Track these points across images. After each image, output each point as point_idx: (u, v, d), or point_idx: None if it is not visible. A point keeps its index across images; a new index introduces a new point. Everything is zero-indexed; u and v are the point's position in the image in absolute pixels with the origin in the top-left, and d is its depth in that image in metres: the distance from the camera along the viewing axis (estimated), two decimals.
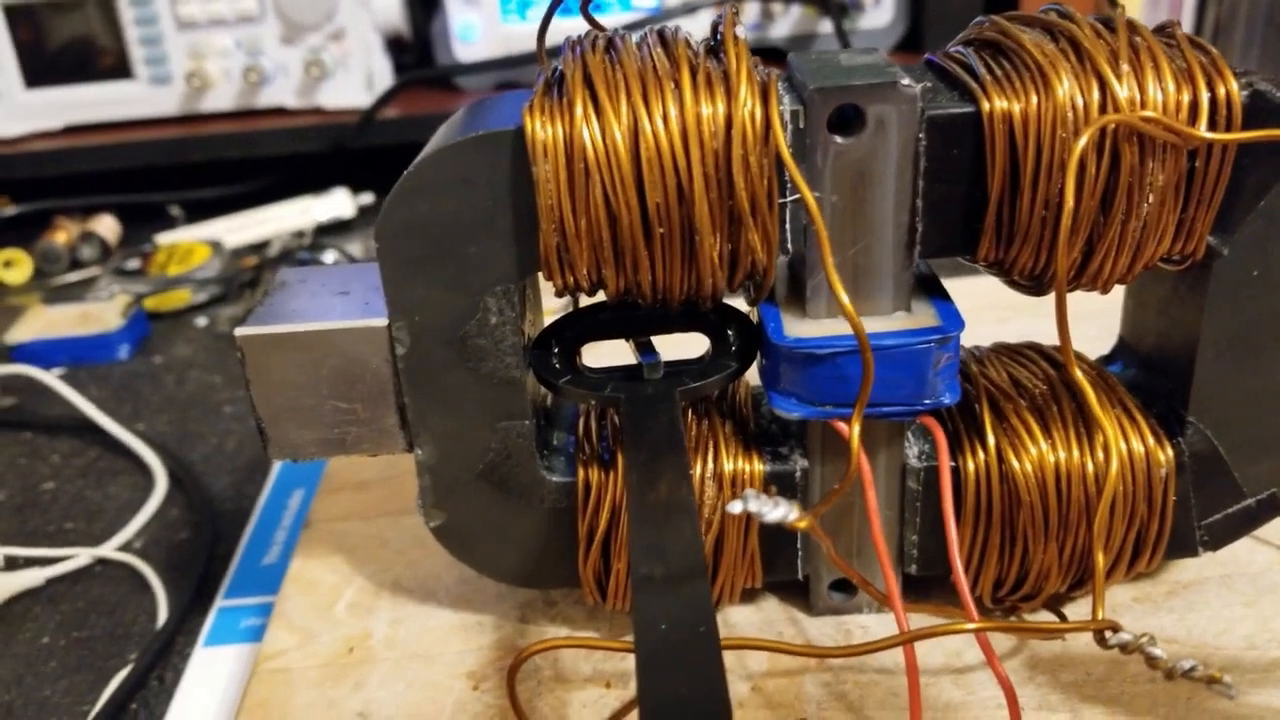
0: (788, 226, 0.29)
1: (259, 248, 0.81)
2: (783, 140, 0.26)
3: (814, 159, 0.28)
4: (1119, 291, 0.36)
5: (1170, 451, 0.32)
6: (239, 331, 0.31)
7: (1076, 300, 0.31)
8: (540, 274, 0.29)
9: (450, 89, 0.89)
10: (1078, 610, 0.34)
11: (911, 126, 0.27)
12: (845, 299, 0.25)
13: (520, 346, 0.31)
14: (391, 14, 0.91)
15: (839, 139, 0.28)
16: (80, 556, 0.48)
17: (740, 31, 0.27)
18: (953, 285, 0.31)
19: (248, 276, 0.75)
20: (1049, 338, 0.30)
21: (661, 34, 0.29)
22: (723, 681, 0.21)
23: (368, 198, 0.88)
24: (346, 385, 0.32)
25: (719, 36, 0.28)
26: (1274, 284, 0.30)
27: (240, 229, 0.82)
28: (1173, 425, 0.32)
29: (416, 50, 0.92)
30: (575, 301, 0.34)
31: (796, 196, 0.28)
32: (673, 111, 0.26)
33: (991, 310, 0.33)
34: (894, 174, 0.28)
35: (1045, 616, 0.34)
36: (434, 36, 0.87)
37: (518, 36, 0.86)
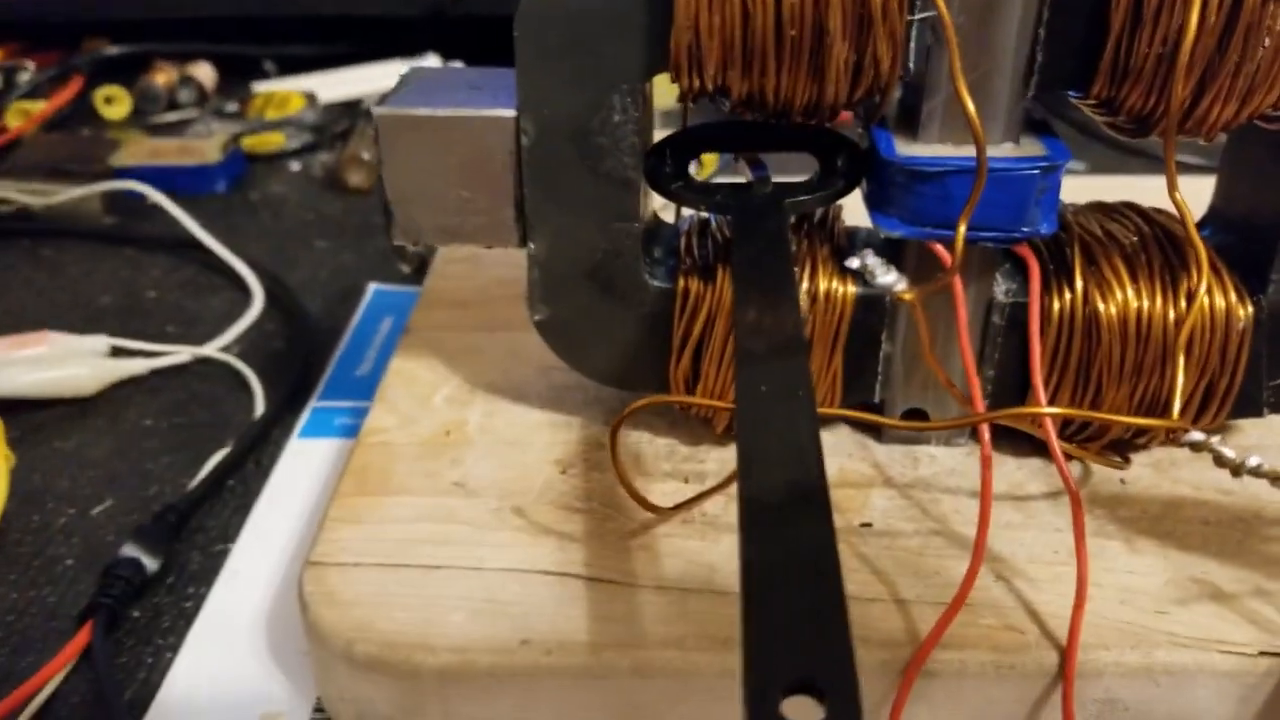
0: (912, 45, 0.30)
1: (350, 106, 0.83)
2: None
3: None
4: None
5: (1251, 308, 0.33)
6: (377, 110, 0.33)
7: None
8: (666, 75, 0.31)
9: None
10: (1137, 458, 0.36)
11: None
12: (970, 106, 0.27)
13: (638, 148, 0.32)
14: None
15: None
16: (182, 354, 0.51)
17: None
18: None
19: (342, 127, 0.77)
20: None
21: None
22: (817, 442, 0.23)
23: (458, 65, 0.89)
24: (471, 173, 0.33)
25: None
26: None
27: (333, 85, 0.84)
28: (1254, 284, 0.33)
29: None
30: (684, 119, 0.35)
31: (923, 15, 0.29)
32: None
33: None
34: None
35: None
36: None
37: None
